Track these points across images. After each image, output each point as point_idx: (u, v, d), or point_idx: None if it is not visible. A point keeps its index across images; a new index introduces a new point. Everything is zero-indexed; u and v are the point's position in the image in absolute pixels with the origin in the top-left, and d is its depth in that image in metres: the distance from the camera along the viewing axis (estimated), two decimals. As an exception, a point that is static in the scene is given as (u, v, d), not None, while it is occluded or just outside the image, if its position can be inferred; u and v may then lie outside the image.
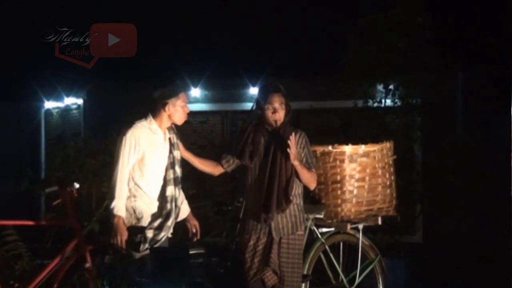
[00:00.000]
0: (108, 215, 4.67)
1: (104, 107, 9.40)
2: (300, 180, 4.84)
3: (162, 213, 4.62)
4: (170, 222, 4.63)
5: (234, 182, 5.91)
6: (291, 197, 4.76)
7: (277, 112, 4.77)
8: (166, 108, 4.63)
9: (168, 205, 4.62)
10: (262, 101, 4.81)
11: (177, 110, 4.65)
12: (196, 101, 9.49)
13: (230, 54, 9.14)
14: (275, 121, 4.80)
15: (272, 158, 4.77)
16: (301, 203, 4.92)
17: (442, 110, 9.04)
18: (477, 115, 8.78)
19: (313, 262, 5.58)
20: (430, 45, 7.90)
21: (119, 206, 4.54)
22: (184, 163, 4.92)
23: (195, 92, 9.53)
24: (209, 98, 9.59)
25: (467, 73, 9.30)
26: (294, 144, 4.72)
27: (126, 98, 8.84)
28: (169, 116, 4.67)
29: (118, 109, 8.24)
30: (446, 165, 7.91)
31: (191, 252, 4.86)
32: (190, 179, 5.84)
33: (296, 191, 4.84)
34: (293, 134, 4.78)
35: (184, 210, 4.88)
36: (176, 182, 4.69)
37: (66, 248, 5.07)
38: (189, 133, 9.52)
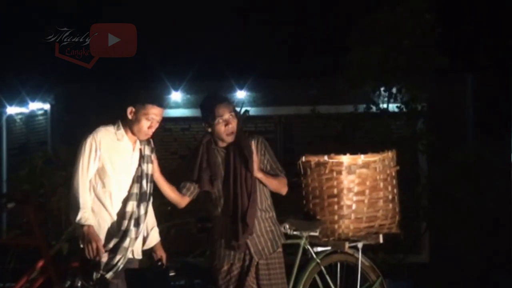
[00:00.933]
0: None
1: (75, 112, 9.37)
2: (266, 192, 4.84)
3: (119, 231, 4.51)
4: (127, 243, 4.49)
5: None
6: (255, 217, 4.73)
7: (230, 124, 4.73)
8: (128, 112, 4.57)
9: (125, 222, 4.50)
10: (210, 116, 4.75)
11: (138, 120, 4.52)
12: (177, 106, 9.50)
13: (215, 54, 9.14)
14: (231, 134, 4.75)
15: (233, 177, 4.74)
16: (274, 215, 4.94)
17: (450, 117, 9.09)
18: (489, 122, 8.82)
19: (307, 285, 5.58)
20: (438, 45, 7.95)
21: (86, 216, 4.43)
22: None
23: (176, 96, 9.53)
24: (192, 103, 9.58)
25: (478, 75, 9.35)
26: (256, 152, 4.70)
27: (100, 103, 8.82)
28: (130, 124, 4.59)
29: (90, 115, 8.23)
30: (455, 177, 7.94)
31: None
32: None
33: (265, 204, 4.84)
34: (252, 142, 4.78)
35: (153, 238, 4.78)
36: (140, 198, 4.57)
37: (31, 270, 5.04)
38: (170, 141, 9.52)
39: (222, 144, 4.82)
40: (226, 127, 4.73)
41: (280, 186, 4.91)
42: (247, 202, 4.70)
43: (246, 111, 8.38)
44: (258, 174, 4.73)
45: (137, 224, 4.56)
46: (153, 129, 4.58)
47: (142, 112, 4.53)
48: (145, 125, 4.54)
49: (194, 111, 9.59)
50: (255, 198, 4.75)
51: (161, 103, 4.61)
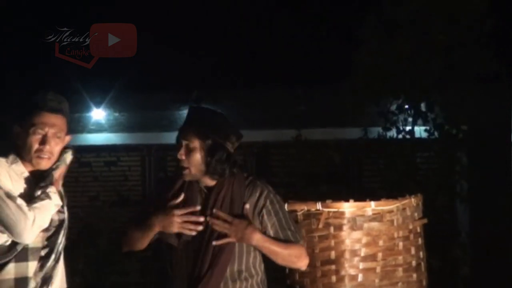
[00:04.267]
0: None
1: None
2: (258, 264, 4.85)
3: None
4: None
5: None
6: None
7: (180, 150, 4.69)
8: (15, 135, 4.64)
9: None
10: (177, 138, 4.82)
11: (24, 140, 4.57)
12: (100, 129, 9.50)
13: (154, 56, 9.25)
14: (185, 169, 4.73)
15: (203, 230, 4.74)
16: None
17: (500, 146, 9.19)
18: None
19: None
20: (489, 43, 8.08)
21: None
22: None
23: (98, 114, 9.54)
24: (122, 125, 9.63)
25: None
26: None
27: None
28: (21, 150, 4.65)
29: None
30: (509, 232, 8.02)
31: None
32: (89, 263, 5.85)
33: (251, 282, 4.85)
34: (247, 190, 4.77)
35: None
36: (45, 257, 4.68)
37: None
38: (88, 181, 9.46)
39: (208, 182, 4.83)
40: (179, 157, 4.71)
41: (292, 258, 4.87)
42: (206, 268, 4.72)
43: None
44: (254, 241, 4.73)
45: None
46: (48, 147, 4.60)
47: (27, 128, 4.60)
48: (33, 142, 4.59)
49: (125, 136, 9.62)
50: (222, 268, 4.76)
51: (50, 105, 4.62)
